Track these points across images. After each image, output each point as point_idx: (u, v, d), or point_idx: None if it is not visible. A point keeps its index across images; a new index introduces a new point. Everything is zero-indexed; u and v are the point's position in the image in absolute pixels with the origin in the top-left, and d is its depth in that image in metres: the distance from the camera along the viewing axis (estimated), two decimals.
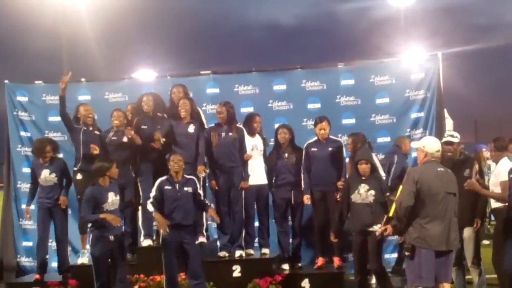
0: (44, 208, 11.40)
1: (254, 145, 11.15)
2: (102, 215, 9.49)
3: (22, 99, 13.19)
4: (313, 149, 10.99)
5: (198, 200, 10.00)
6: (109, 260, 9.74)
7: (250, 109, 12.35)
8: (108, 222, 9.52)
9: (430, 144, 8.62)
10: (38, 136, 12.54)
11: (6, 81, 13.28)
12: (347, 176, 10.62)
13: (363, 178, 9.84)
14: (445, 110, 12.16)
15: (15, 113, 13.09)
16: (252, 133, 11.20)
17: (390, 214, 8.74)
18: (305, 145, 11.11)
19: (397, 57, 13.76)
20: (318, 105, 12.53)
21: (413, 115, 12.27)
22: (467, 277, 10.28)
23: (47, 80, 13.64)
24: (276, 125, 11.51)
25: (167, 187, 9.89)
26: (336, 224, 10.23)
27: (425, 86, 12.19)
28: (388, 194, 9.91)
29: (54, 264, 11.90)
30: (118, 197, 9.81)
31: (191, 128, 11.03)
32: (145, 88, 12.56)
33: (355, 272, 10.08)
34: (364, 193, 9.75)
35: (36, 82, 13.41)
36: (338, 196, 10.56)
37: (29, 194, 11.75)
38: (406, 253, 8.38)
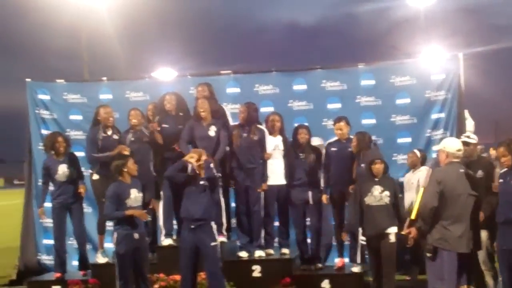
0: (60, 206, 11.36)
1: (276, 145, 11.12)
2: (128, 212, 9.40)
3: (44, 97, 13.29)
4: (332, 148, 10.98)
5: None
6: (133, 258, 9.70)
7: (270, 109, 12.33)
8: (137, 217, 9.48)
9: (450, 145, 8.61)
10: None
11: (28, 80, 13.36)
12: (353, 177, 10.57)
13: (376, 179, 9.73)
14: (466, 111, 12.10)
15: (36, 111, 13.19)
16: (273, 133, 11.20)
17: (413, 217, 8.64)
18: (325, 144, 11.11)
19: (417, 58, 13.70)
20: (338, 105, 12.51)
21: (434, 116, 12.21)
22: None
23: (69, 79, 13.77)
24: (296, 125, 11.52)
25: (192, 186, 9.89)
26: (349, 226, 10.17)
27: (445, 87, 12.12)
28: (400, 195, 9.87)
29: (75, 263, 11.95)
30: (141, 194, 9.68)
31: (212, 131, 10.96)
32: (166, 87, 12.60)
33: (373, 276, 9.95)
34: (378, 195, 9.61)
35: (58, 80, 13.51)
36: None
37: (42, 193, 11.67)
38: (428, 255, 8.34)
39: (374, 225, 9.63)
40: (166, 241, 11.11)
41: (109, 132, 11.42)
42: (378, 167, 9.70)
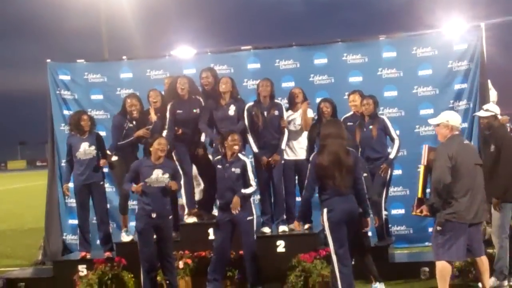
0: (82, 185, 11.24)
1: (294, 118, 11.02)
2: (133, 188, 9.62)
3: (65, 78, 13.33)
4: (349, 123, 10.89)
5: (245, 181, 9.92)
6: (155, 237, 9.78)
7: (291, 84, 12.30)
8: (153, 195, 9.59)
9: (454, 118, 8.59)
10: None
11: (48, 60, 13.39)
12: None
13: None
14: (489, 81, 11.99)
15: (57, 92, 13.24)
16: (294, 107, 11.11)
17: (419, 195, 8.60)
18: (342, 119, 10.95)
19: (438, 28, 13.54)
20: (359, 78, 12.46)
21: (457, 86, 12.13)
22: None
23: (89, 59, 13.77)
24: (318, 99, 11.43)
25: (218, 166, 9.93)
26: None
27: (468, 57, 12.03)
28: None
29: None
30: (166, 176, 9.71)
31: (231, 111, 10.88)
32: (186, 64, 12.62)
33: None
34: None
35: (78, 60, 13.54)
36: (381, 172, 10.53)
37: (66, 171, 11.51)
38: (438, 228, 8.25)
39: None
40: (190, 219, 11.12)
41: (134, 123, 11.34)
42: None
